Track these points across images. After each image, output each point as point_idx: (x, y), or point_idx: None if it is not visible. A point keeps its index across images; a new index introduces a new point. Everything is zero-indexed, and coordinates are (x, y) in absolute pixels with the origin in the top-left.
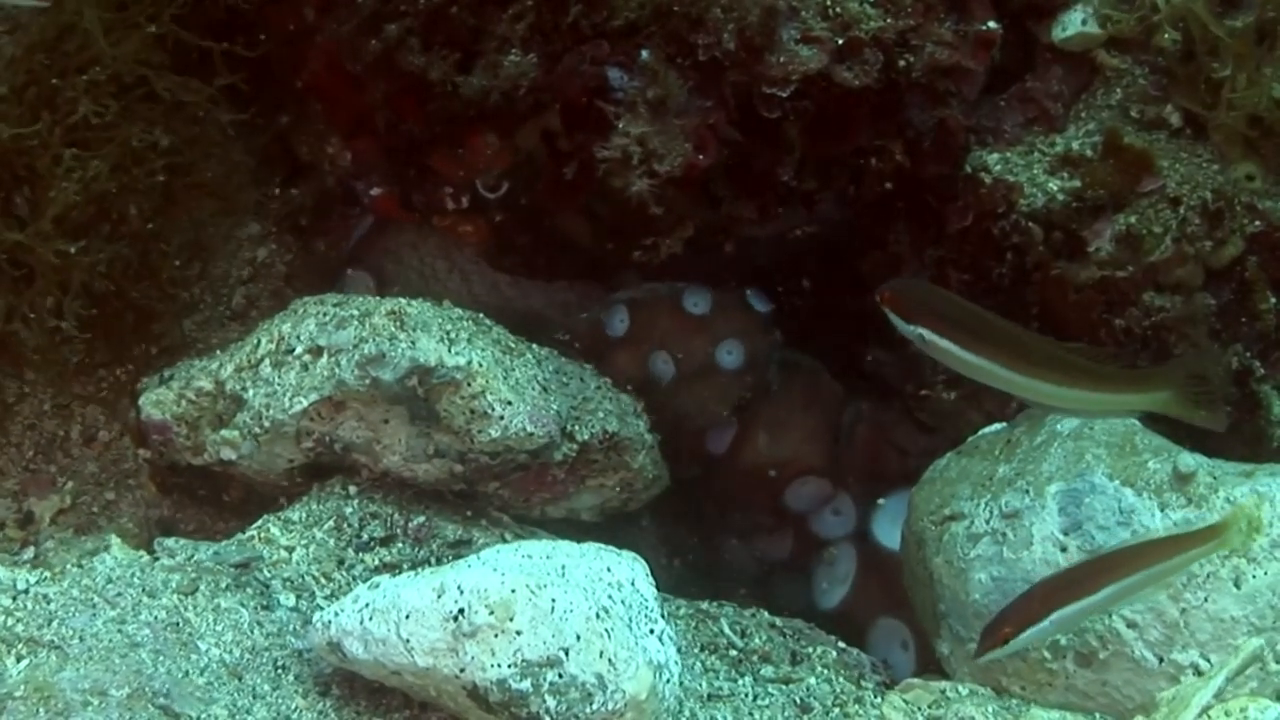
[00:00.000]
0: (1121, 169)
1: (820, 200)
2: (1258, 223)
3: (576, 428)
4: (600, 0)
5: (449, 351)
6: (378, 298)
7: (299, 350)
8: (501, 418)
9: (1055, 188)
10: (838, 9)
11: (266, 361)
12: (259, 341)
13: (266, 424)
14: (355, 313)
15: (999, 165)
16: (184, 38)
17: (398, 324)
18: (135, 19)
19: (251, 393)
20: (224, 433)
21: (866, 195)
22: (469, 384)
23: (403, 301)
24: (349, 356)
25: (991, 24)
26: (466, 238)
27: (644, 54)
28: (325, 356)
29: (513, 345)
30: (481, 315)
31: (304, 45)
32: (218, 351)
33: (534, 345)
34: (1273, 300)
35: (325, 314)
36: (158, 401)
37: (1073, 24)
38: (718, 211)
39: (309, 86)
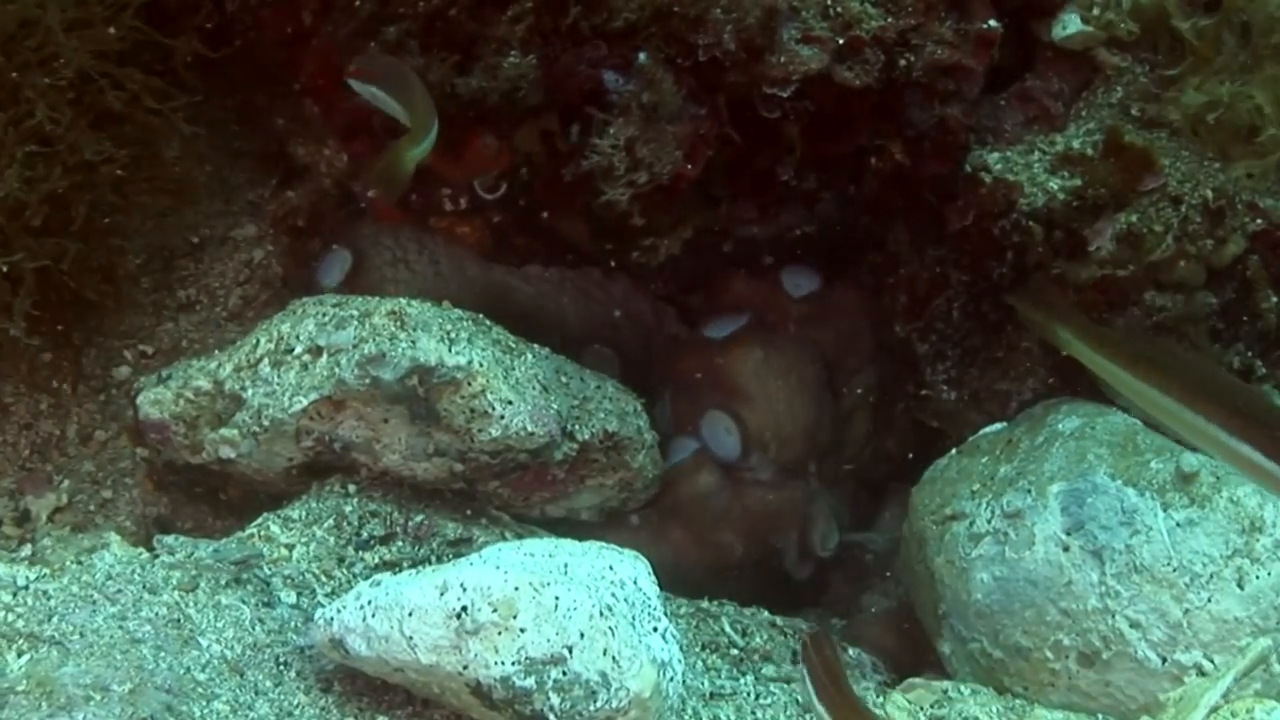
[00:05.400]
0: (1122, 168)
1: (820, 200)
2: (1259, 221)
3: (577, 427)
4: (599, 1)
5: (449, 351)
6: (377, 298)
7: (298, 350)
8: (502, 417)
9: (1056, 187)
10: (838, 8)
11: (265, 361)
12: (258, 341)
13: (266, 423)
14: (355, 313)
15: (999, 164)
16: (146, 34)
17: (398, 324)
18: (94, 17)
19: (250, 392)
20: (223, 431)
21: (867, 195)
22: (469, 383)
23: (403, 301)
24: (349, 356)
25: (992, 23)
26: (464, 238)
27: (641, 56)
28: (325, 356)
29: (513, 345)
30: (481, 315)
31: (300, 48)
32: (216, 351)
33: (534, 345)
34: (1274, 299)
35: (324, 314)
36: (156, 401)
37: (1073, 23)
38: (717, 211)
39: (306, 89)
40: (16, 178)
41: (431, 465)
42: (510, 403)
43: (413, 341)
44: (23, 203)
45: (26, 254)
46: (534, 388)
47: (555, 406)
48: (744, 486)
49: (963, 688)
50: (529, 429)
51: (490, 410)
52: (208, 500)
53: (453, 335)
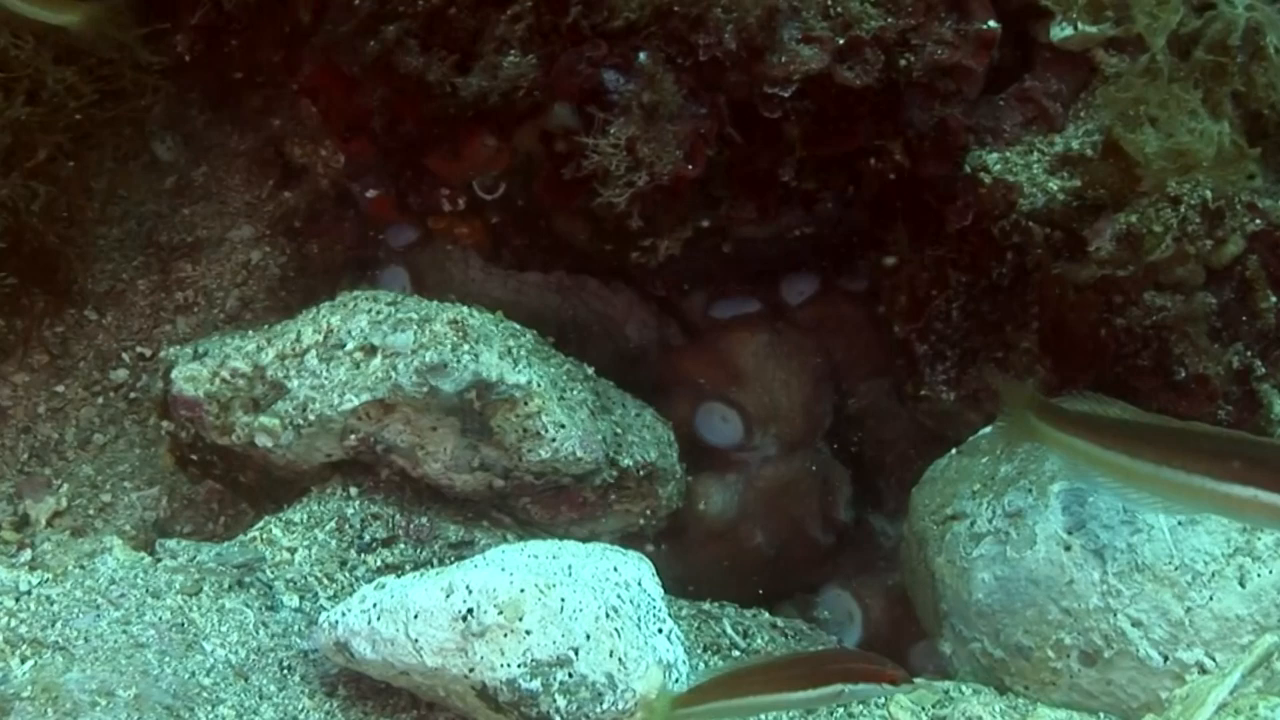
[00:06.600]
0: (1122, 168)
1: (820, 200)
2: (1258, 221)
3: (619, 455)
4: (600, 0)
5: (511, 368)
6: (434, 302)
7: (350, 346)
8: (554, 440)
9: (1055, 187)
10: (839, 8)
11: (313, 353)
12: (302, 331)
13: (311, 417)
14: (414, 316)
15: (998, 165)
16: None
17: (460, 334)
18: None
19: (296, 383)
20: (263, 419)
21: (866, 195)
22: (526, 403)
23: (464, 310)
24: (407, 361)
25: (991, 23)
26: (462, 239)
27: (641, 56)
28: (379, 357)
29: (567, 365)
30: (533, 331)
31: (298, 48)
32: (250, 332)
33: (583, 365)
34: (1273, 299)
35: (379, 312)
36: (191, 377)
37: (1071, 23)
38: (717, 211)
39: (304, 89)
40: None
41: (472, 478)
42: (563, 426)
43: (475, 355)
44: None
45: None
46: (584, 411)
47: (601, 433)
48: (751, 469)
49: (964, 687)
50: (578, 454)
51: (543, 432)
52: (226, 481)
53: (514, 352)
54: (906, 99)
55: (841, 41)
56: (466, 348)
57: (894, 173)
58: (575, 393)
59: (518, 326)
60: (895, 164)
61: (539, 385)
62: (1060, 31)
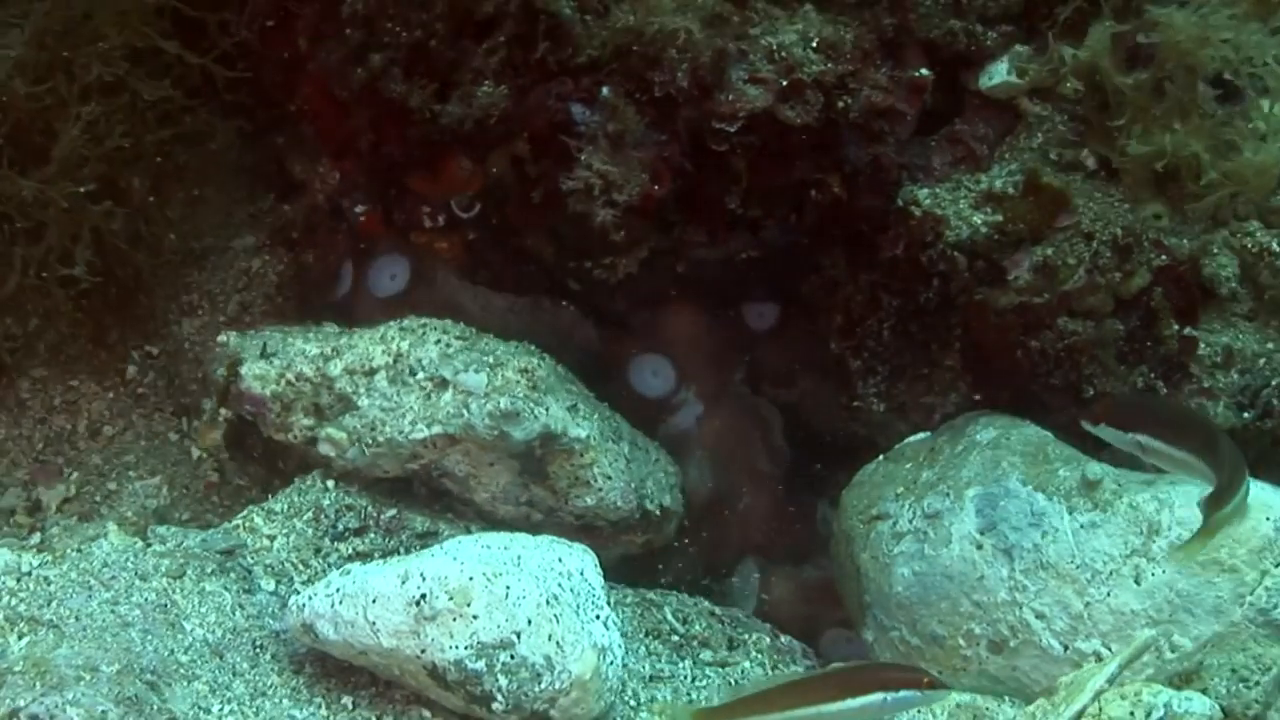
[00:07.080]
0: (1040, 206)
1: (764, 227)
2: (1163, 257)
3: (644, 500)
4: (565, 39)
5: (573, 422)
6: (500, 344)
7: (421, 376)
8: (600, 490)
9: (979, 221)
10: (783, 53)
11: (383, 375)
12: (371, 350)
13: (380, 439)
14: (487, 360)
15: (928, 199)
16: (182, 10)
17: (530, 384)
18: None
19: (366, 402)
20: (331, 431)
21: (807, 224)
22: (582, 455)
23: (532, 360)
24: (480, 403)
25: (924, 71)
26: (442, 253)
27: (604, 90)
28: (452, 392)
29: (609, 417)
30: (576, 378)
31: (297, 72)
32: (308, 333)
33: (615, 413)
34: (1175, 327)
35: (448, 344)
36: (260, 376)
37: (998, 74)
38: (671, 235)
39: (301, 110)
40: (80, 133)
41: (514, 510)
42: (610, 478)
43: (545, 407)
44: (84, 158)
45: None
46: (622, 462)
47: (635, 483)
48: (694, 429)
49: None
50: (618, 504)
51: (592, 481)
52: (265, 464)
53: (574, 406)
54: (844, 137)
55: (784, 83)
56: (536, 398)
57: (832, 204)
58: (618, 446)
59: (569, 373)
60: (834, 196)
61: (595, 440)
62: (988, 81)
